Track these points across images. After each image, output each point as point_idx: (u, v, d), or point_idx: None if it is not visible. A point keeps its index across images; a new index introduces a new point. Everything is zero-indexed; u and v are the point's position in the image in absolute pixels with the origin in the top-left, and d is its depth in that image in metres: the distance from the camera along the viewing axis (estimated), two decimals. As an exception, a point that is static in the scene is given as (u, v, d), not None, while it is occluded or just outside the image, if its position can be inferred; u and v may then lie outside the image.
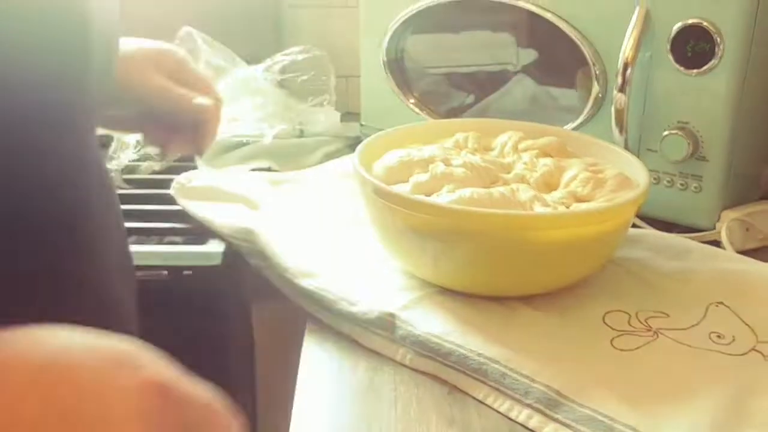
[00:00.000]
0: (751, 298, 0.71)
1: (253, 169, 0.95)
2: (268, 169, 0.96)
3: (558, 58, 1.05)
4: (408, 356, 0.64)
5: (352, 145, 1.09)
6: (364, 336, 0.67)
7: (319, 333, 0.69)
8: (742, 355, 0.64)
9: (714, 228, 0.83)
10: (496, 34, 1.14)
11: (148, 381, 0.32)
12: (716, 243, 0.82)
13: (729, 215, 0.83)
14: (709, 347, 0.65)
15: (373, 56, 1.04)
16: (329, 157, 1.03)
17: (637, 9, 0.82)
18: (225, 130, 0.95)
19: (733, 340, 0.66)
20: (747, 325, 0.68)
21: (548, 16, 0.89)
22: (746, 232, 0.83)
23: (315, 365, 0.65)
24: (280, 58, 1.05)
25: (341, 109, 1.10)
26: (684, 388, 0.59)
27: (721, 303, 0.71)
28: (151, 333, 0.69)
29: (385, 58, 1.03)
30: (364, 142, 0.78)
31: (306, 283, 0.71)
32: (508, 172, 0.75)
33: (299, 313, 0.73)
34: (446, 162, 0.73)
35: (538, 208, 0.68)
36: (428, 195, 0.69)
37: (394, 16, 1.01)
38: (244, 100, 0.97)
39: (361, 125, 1.08)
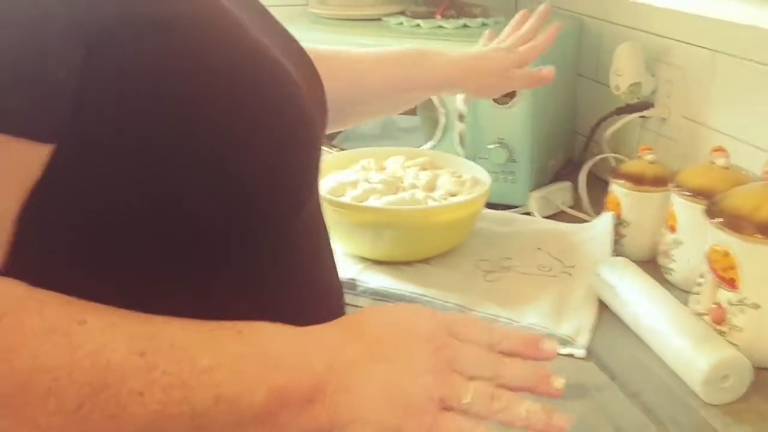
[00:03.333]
0: (555, 243, 1.18)
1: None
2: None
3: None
4: (368, 303, 1.04)
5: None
6: (336, 295, 1.06)
7: (305, 298, 1.07)
8: (557, 275, 1.10)
9: (526, 204, 1.30)
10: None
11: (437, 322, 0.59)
12: (529, 213, 1.29)
13: (534, 195, 1.30)
14: (538, 273, 1.11)
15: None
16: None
17: (465, 69, 1.26)
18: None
19: (551, 268, 1.12)
20: (556, 258, 1.14)
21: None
22: (545, 204, 1.30)
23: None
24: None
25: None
26: (529, 297, 1.04)
27: (539, 248, 1.17)
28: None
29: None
30: (308, 171, 1.16)
31: (290, 267, 1.09)
32: (402, 182, 1.17)
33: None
34: (368, 180, 1.14)
35: (431, 203, 1.11)
36: (361, 202, 1.09)
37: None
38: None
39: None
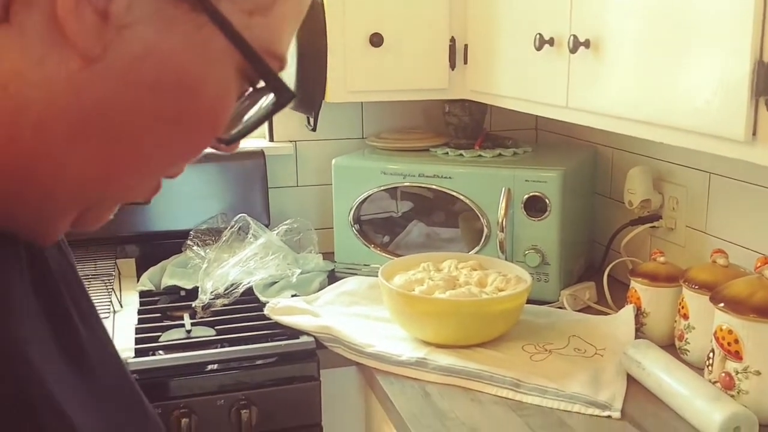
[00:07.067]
0: (587, 331, 1.41)
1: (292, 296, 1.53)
2: (295, 295, 1.55)
3: (443, 210, 1.74)
4: (436, 377, 1.26)
5: (330, 275, 1.70)
6: (410, 371, 1.28)
7: (384, 376, 1.29)
8: (591, 356, 1.33)
9: (558, 300, 1.54)
10: (393, 200, 1.81)
11: None
12: (561, 307, 1.52)
13: (564, 293, 1.54)
14: (575, 354, 1.33)
15: (342, 219, 1.67)
16: (321, 284, 1.63)
17: (504, 189, 1.53)
18: (264, 275, 1.54)
19: (585, 351, 1.35)
20: (588, 343, 1.37)
21: (455, 194, 1.58)
22: (574, 300, 1.54)
23: (390, 389, 1.25)
24: (283, 227, 1.65)
25: (321, 250, 1.71)
26: (570, 372, 1.27)
27: (574, 335, 1.40)
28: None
29: (351, 220, 1.67)
30: (380, 271, 1.40)
31: (371, 350, 1.31)
32: (458, 280, 1.41)
33: (350, 375, 1.31)
34: (431, 278, 1.38)
35: (484, 296, 1.35)
36: (429, 295, 1.33)
37: (355, 196, 1.65)
38: (271, 255, 1.56)
39: (335, 262, 1.70)
